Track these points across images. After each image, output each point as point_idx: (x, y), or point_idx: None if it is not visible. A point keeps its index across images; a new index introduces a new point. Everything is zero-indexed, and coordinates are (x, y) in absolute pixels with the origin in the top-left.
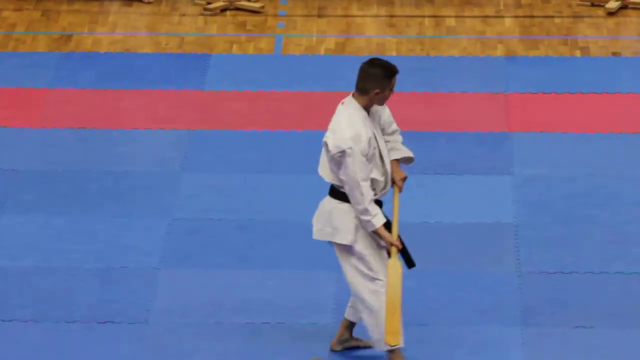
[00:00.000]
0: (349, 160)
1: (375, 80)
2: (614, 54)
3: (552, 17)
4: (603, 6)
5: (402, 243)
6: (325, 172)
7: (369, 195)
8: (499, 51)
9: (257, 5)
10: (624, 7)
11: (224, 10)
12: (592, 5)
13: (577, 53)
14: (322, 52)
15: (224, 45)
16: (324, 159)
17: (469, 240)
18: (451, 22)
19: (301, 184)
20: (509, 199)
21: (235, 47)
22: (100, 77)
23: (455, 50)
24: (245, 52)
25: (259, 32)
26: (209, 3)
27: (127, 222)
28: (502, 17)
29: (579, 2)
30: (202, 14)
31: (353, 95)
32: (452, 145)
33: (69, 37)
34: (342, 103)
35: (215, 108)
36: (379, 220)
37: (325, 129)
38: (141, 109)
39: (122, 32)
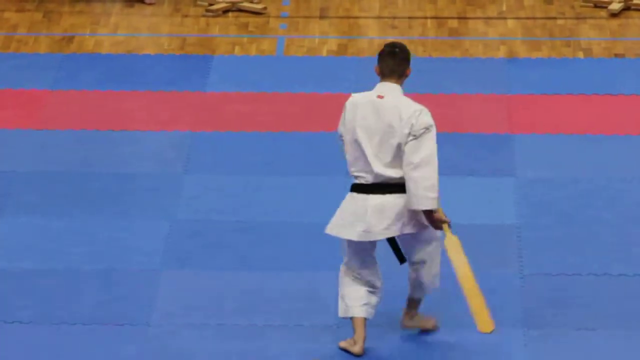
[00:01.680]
0: (429, 135)
1: (408, 59)
2: (616, 55)
3: (555, 18)
4: (606, 7)
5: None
6: (387, 166)
7: None
8: (502, 52)
9: (259, 6)
10: (626, 9)
11: (226, 11)
12: (595, 6)
13: (580, 54)
14: (324, 53)
15: (226, 47)
16: (379, 155)
17: (472, 241)
18: (453, 23)
19: (303, 185)
20: (512, 201)
21: (237, 48)
22: (102, 78)
23: (457, 51)
24: (248, 54)
25: (261, 34)
26: (211, 4)
27: (129, 224)
28: (505, 18)
29: (581, 4)
30: (204, 16)
31: (388, 82)
32: (455, 147)
33: (70, 39)
34: (382, 95)
35: (217, 109)
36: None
37: (328, 129)
38: (143, 111)
39: (124, 33)
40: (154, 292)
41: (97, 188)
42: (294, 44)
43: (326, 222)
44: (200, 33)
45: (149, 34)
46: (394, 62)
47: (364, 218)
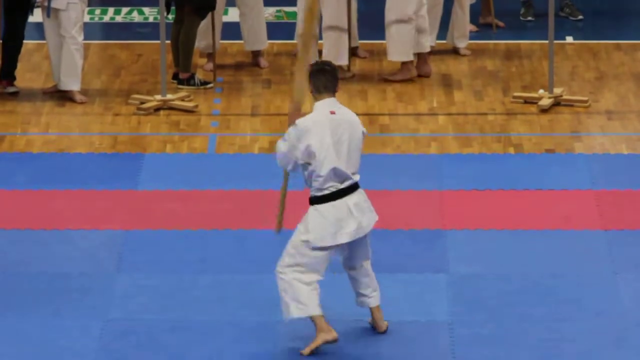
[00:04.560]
0: None
1: (337, 76)
2: (547, 150)
3: (486, 114)
4: (536, 103)
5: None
6: (354, 171)
7: None
8: (433, 149)
9: (190, 104)
10: (556, 104)
11: (157, 109)
12: (525, 102)
13: (511, 150)
14: (255, 151)
15: (158, 145)
16: (350, 158)
17: (404, 338)
18: (384, 120)
19: (235, 283)
20: (444, 297)
21: (168, 146)
22: (34, 177)
23: (388, 148)
24: (179, 152)
25: (192, 132)
26: (142, 103)
27: (61, 323)
28: (436, 114)
29: (512, 100)
30: (135, 114)
31: (331, 97)
32: (387, 243)
33: (1, 138)
34: (333, 111)
35: (149, 208)
36: None
37: (260, 227)
38: (75, 210)
39: (55, 132)
40: None
41: (30, 288)
42: (226, 142)
43: (259, 320)
44: (132, 131)
45: (80, 132)
46: (325, 79)
47: (352, 217)
